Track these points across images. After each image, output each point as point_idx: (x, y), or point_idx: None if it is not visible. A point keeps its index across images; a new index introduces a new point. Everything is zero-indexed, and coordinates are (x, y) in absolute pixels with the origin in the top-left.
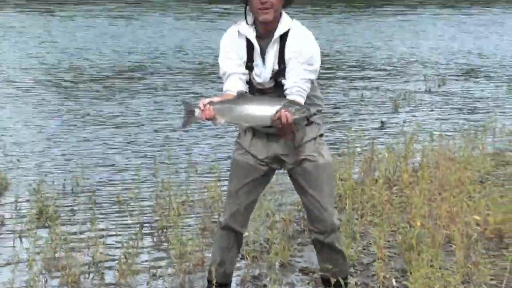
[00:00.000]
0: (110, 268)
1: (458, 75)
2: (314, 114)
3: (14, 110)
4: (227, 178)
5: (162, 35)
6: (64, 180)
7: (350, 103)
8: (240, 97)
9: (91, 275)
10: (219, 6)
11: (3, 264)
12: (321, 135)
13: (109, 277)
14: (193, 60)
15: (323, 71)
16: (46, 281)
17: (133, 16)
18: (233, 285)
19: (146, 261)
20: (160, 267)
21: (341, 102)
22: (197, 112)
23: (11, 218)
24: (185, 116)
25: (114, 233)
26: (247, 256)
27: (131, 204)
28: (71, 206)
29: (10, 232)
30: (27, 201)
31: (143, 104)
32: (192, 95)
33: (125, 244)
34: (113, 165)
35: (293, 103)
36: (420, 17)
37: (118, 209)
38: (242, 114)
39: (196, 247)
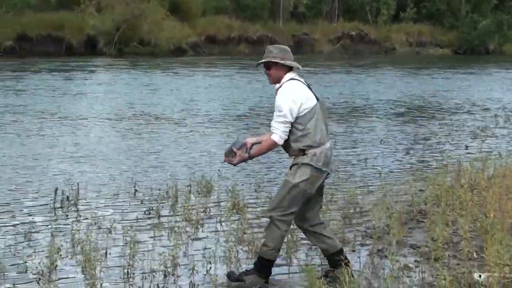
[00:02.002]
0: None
1: None
2: (303, 149)
3: (200, 140)
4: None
5: None
6: (250, 184)
7: (445, 134)
8: None
9: None
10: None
11: (209, 239)
12: (308, 165)
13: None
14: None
15: (430, 112)
16: (237, 252)
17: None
18: (363, 255)
19: (305, 239)
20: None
21: (440, 133)
22: None
23: (214, 209)
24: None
25: None
26: (374, 236)
27: None
28: (254, 201)
29: (213, 219)
30: (225, 197)
31: None
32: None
33: (291, 228)
34: (274, 175)
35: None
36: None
37: None
38: None
39: (339, 231)
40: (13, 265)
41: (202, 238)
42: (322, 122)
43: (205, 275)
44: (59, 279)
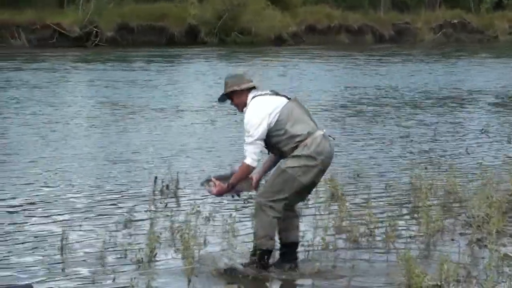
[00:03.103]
0: (380, 233)
1: None
2: (295, 145)
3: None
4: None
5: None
6: (349, 172)
7: None
8: None
9: (366, 237)
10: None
11: (307, 228)
12: (299, 156)
13: (379, 238)
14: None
15: None
16: (335, 240)
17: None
18: (462, 244)
19: (403, 228)
20: (412, 230)
21: None
22: None
23: (313, 198)
24: None
25: (381, 208)
26: (473, 225)
27: (393, 189)
28: (353, 190)
29: (312, 208)
30: (324, 186)
31: (402, 124)
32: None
33: (389, 217)
34: (384, 163)
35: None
36: None
37: (385, 193)
38: None
39: (440, 219)
40: (113, 252)
41: (300, 226)
42: (303, 116)
43: (303, 263)
44: (158, 267)
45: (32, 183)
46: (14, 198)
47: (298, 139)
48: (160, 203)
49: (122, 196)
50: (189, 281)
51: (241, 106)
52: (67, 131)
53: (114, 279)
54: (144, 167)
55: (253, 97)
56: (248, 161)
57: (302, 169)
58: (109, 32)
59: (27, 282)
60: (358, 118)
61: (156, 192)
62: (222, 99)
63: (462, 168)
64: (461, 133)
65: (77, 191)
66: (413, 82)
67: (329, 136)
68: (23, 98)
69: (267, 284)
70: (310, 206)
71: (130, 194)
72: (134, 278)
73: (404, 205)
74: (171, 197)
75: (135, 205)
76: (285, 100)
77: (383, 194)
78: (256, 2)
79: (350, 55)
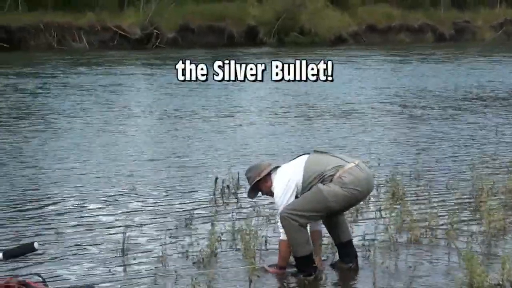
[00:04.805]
0: (441, 232)
1: None
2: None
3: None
4: None
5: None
6: (410, 172)
7: None
8: None
9: (427, 236)
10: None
11: (368, 227)
12: (339, 185)
13: (440, 237)
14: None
15: None
16: (396, 239)
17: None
18: None
19: (464, 227)
20: (473, 230)
21: None
22: None
23: (374, 197)
24: None
25: (442, 208)
26: None
27: (454, 189)
28: (414, 189)
29: (374, 208)
30: (385, 186)
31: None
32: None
33: (451, 216)
34: (445, 163)
35: None
36: None
37: (446, 193)
38: None
39: (501, 219)
40: (174, 253)
41: (361, 225)
42: (326, 158)
43: (364, 262)
44: (219, 267)
45: (94, 186)
46: (75, 200)
47: (330, 173)
48: (221, 203)
49: (183, 197)
50: (250, 281)
51: (270, 189)
52: (128, 134)
53: (175, 280)
54: (205, 168)
55: (274, 173)
56: (283, 237)
57: (337, 196)
58: (170, 33)
59: (88, 283)
60: (419, 118)
61: (217, 193)
62: (251, 195)
63: None
64: None
65: (138, 193)
66: (473, 82)
67: (365, 163)
68: (84, 102)
69: (327, 284)
70: (371, 206)
71: (191, 195)
72: (195, 278)
73: (465, 205)
74: (232, 198)
75: (196, 206)
76: (305, 157)
77: (444, 194)
78: (315, 2)
79: (411, 55)
